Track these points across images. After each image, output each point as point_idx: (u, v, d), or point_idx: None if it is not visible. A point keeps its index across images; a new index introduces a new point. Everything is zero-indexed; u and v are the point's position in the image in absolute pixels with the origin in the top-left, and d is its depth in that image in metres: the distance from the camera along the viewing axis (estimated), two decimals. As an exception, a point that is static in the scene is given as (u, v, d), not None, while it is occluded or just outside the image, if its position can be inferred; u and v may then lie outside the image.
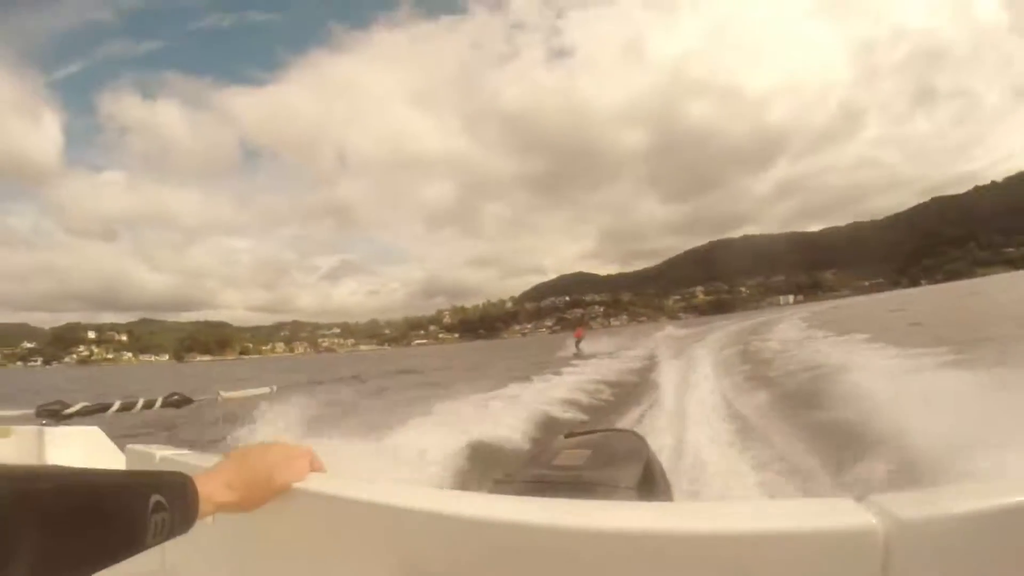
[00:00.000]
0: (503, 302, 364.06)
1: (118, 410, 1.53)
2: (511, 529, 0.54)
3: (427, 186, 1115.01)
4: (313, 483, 0.74)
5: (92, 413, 1.52)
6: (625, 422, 6.16)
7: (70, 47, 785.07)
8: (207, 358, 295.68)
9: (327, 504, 0.71)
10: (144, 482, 0.58)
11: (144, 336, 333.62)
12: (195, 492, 0.63)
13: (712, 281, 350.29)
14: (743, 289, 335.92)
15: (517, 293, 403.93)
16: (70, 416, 1.50)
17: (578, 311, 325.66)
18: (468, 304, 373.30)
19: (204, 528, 0.63)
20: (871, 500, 0.47)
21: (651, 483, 1.52)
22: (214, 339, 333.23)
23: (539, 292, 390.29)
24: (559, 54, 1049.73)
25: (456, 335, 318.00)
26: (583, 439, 1.86)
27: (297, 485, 0.74)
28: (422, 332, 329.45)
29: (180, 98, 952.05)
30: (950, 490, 0.49)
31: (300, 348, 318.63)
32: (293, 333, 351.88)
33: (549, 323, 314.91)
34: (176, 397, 1.60)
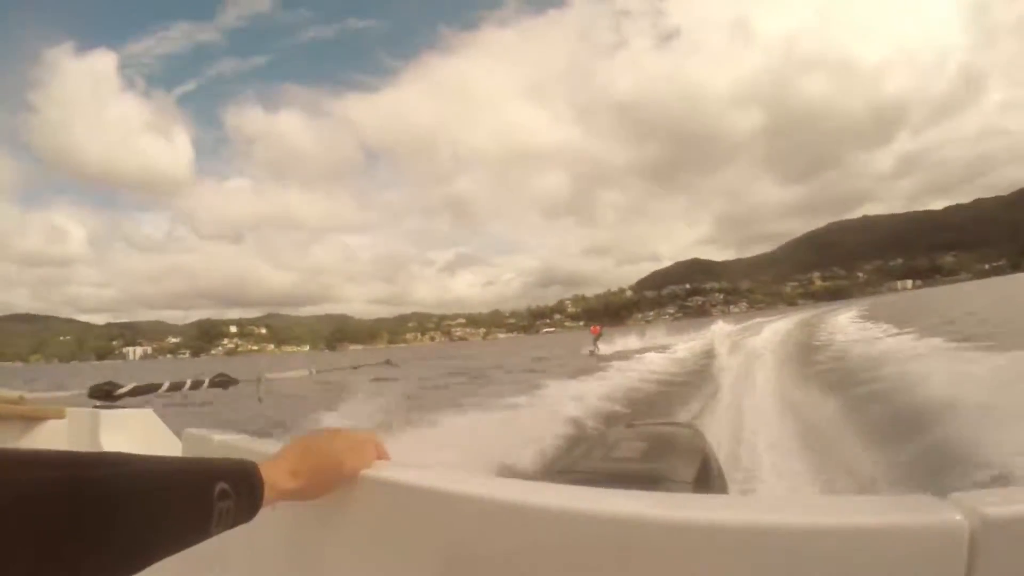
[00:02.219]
0: (623, 291, 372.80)
1: (167, 390, 1.53)
2: (571, 518, 0.54)
3: (542, 178, 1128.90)
4: (380, 470, 0.72)
5: (143, 393, 1.52)
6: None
7: (183, 68, 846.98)
8: (358, 347, 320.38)
9: (394, 492, 0.69)
10: (209, 469, 0.57)
11: (281, 329, 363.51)
12: (260, 479, 0.61)
13: (830, 266, 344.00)
14: (860, 274, 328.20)
15: (633, 281, 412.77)
16: (122, 396, 1.49)
17: (698, 299, 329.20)
18: (586, 292, 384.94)
19: (263, 515, 0.62)
20: (954, 497, 0.45)
21: (707, 478, 1.49)
22: (365, 331, 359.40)
23: (655, 280, 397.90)
24: (666, 38, 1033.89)
25: (581, 323, 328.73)
26: (642, 431, 1.87)
27: (363, 472, 0.72)
28: (547, 321, 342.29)
29: (300, 107, 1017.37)
30: None
31: (437, 338, 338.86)
32: (420, 324, 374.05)
33: (671, 310, 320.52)
34: (221, 378, 1.41)
